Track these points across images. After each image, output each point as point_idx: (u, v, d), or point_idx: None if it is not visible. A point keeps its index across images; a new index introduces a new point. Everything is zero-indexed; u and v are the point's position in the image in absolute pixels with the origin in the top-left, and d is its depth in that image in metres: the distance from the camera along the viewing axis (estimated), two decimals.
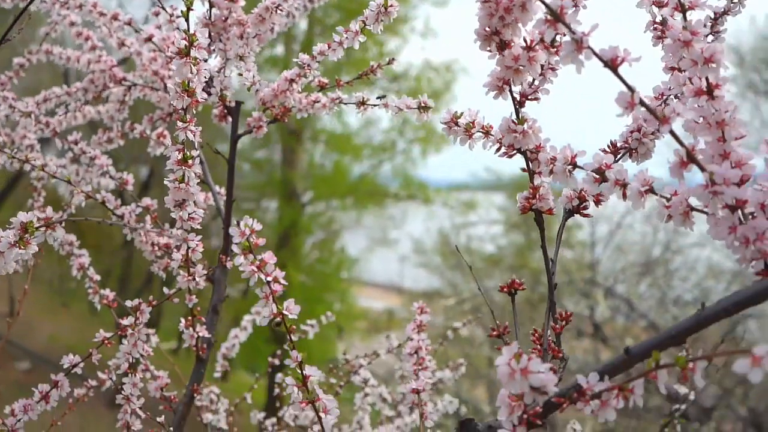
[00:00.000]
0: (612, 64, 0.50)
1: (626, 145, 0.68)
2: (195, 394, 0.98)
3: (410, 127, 11.74)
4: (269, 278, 0.61)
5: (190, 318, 0.95)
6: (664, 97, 0.69)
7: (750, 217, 0.51)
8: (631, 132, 0.68)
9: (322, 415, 0.64)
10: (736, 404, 5.80)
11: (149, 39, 1.02)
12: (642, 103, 0.50)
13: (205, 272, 0.91)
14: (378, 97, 0.95)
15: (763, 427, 5.68)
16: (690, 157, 0.51)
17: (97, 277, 1.09)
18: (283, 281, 0.62)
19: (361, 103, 0.95)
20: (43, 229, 0.65)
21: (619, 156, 0.68)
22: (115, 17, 1.09)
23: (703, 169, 0.50)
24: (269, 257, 0.62)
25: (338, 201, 11.54)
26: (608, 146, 0.68)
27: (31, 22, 1.25)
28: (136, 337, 0.89)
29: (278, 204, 11.17)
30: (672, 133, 0.50)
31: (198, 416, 1.27)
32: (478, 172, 10.14)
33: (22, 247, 0.67)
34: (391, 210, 11.92)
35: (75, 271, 1.09)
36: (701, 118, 0.54)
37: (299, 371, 0.64)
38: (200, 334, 0.96)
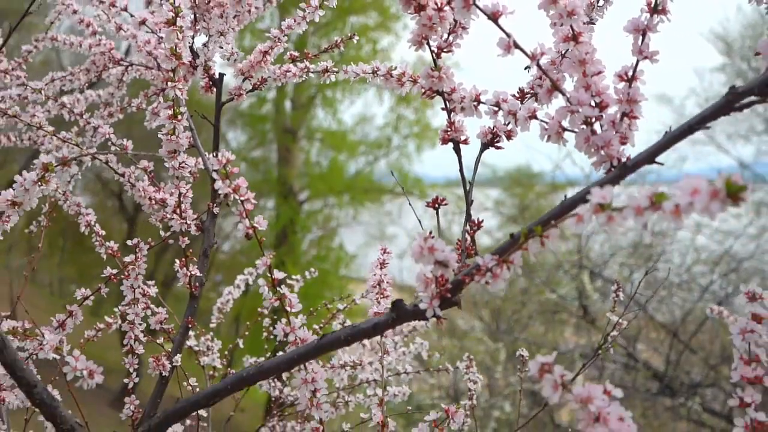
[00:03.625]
0: (494, 17, 0.66)
1: (532, 90, 0.84)
2: (189, 326, 1.13)
3: (405, 123, 11.91)
4: (243, 198, 0.77)
5: (183, 259, 1.11)
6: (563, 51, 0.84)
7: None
8: (535, 79, 0.83)
9: (288, 308, 0.80)
10: (723, 381, 5.97)
11: (143, 22, 1.17)
12: (516, 45, 0.66)
13: (195, 217, 1.07)
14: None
15: None
16: (554, 86, 0.67)
17: (103, 232, 1.24)
18: (253, 201, 0.78)
19: (325, 71, 1.11)
20: (60, 166, 0.81)
21: (526, 99, 0.84)
22: (112, 4, 1.25)
23: (564, 95, 0.66)
24: (242, 182, 0.78)
25: (335, 198, 11.70)
26: (517, 91, 0.84)
27: (37, 13, 1.41)
28: (137, 272, 1.05)
29: (275, 202, 11.33)
30: (539, 67, 0.66)
31: (196, 360, 1.43)
32: (470, 166, 10.28)
33: (43, 183, 0.82)
34: (388, 206, 12.08)
35: (83, 227, 1.25)
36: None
37: (269, 275, 0.80)
38: (193, 273, 1.11)
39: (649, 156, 0.62)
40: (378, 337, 1.36)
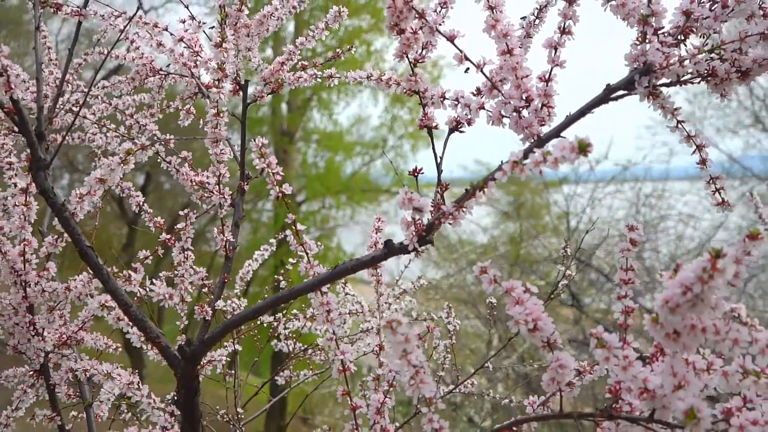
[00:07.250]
0: (450, 39, 0.95)
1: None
2: (225, 281, 1.42)
3: (400, 123, 12.20)
4: (274, 171, 1.06)
5: (220, 227, 1.40)
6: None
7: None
8: (485, 81, 1.13)
9: (308, 251, 1.09)
10: None
11: (181, 39, 1.47)
12: (466, 58, 0.95)
13: (231, 193, 1.36)
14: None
15: None
16: (493, 86, 0.96)
17: (150, 210, 1.53)
18: (281, 173, 1.07)
19: (330, 77, 1.40)
20: (139, 150, 1.10)
21: (482, 96, 1.13)
22: (156, 25, 1.54)
23: (499, 92, 0.96)
24: (273, 159, 1.07)
25: (332, 199, 11.98)
26: (476, 89, 1.13)
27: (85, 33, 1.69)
28: (186, 235, 1.34)
29: (273, 204, 11.62)
30: (482, 72, 0.96)
31: (224, 318, 1.72)
32: (468, 166, 10.60)
33: (125, 164, 1.11)
34: (385, 205, 12.36)
35: (134, 207, 1.54)
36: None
37: (294, 227, 1.09)
38: (228, 239, 1.40)
39: (556, 132, 0.91)
40: (375, 299, 1.64)
